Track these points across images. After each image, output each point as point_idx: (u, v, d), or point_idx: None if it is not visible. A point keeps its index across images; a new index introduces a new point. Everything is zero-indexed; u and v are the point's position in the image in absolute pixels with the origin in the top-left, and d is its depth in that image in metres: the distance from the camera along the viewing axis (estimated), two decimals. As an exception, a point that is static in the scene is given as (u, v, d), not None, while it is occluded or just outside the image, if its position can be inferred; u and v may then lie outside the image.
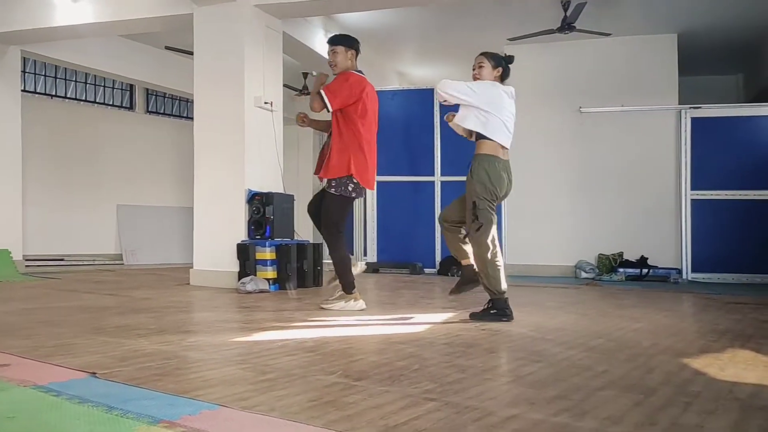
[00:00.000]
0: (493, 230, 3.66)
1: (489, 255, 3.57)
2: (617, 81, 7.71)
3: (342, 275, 4.10)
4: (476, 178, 3.60)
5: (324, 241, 4.29)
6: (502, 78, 3.73)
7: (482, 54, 3.76)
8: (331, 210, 4.11)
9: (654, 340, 3.07)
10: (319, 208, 4.23)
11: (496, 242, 3.64)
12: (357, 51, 4.26)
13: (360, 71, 4.23)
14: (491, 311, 3.63)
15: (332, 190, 4.08)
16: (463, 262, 3.82)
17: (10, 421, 1.59)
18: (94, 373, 2.14)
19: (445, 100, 3.66)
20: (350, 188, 4.08)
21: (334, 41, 4.25)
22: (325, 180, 4.14)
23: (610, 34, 7.18)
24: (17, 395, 1.86)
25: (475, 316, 3.66)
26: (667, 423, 1.69)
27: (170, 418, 1.63)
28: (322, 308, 4.07)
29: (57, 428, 1.55)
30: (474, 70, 3.73)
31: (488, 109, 3.58)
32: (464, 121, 3.65)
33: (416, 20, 7.61)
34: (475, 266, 3.69)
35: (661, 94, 7.55)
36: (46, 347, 2.62)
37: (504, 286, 3.62)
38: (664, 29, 7.50)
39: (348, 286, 4.08)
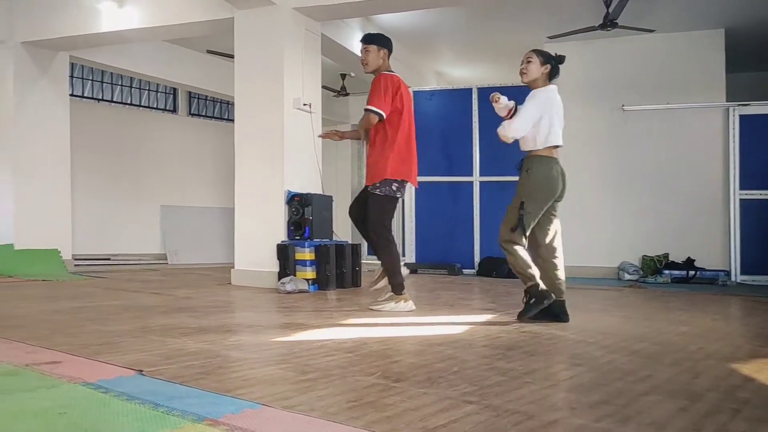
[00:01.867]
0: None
1: (546, 257, 3.60)
2: (662, 78, 7.53)
3: (391, 276, 4.12)
4: (533, 178, 3.56)
5: (370, 243, 4.31)
6: (550, 76, 3.67)
7: (532, 50, 3.73)
8: (377, 210, 4.13)
9: (701, 344, 2.99)
10: (361, 210, 4.26)
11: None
12: (389, 51, 4.28)
13: (391, 71, 4.25)
14: (530, 301, 3.56)
15: (378, 191, 4.11)
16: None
17: (61, 417, 1.64)
18: (141, 371, 2.20)
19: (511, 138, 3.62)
20: (394, 187, 4.11)
21: (367, 40, 4.27)
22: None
23: (654, 31, 7.01)
24: (67, 392, 1.92)
25: (521, 316, 3.62)
26: (713, 430, 1.65)
27: (214, 416, 1.66)
28: (371, 309, 4.09)
29: (106, 424, 1.60)
30: (521, 65, 3.69)
31: (542, 113, 3.57)
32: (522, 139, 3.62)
33: (454, 20, 7.57)
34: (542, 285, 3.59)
35: (707, 91, 7.34)
36: (94, 345, 2.70)
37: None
38: (711, 24, 7.29)
39: (397, 287, 4.10)
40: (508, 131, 3.56)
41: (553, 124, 3.58)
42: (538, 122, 3.55)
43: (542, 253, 3.63)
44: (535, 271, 3.57)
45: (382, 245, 4.13)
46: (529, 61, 3.66)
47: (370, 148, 4.19)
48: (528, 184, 3.57)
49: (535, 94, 3.61)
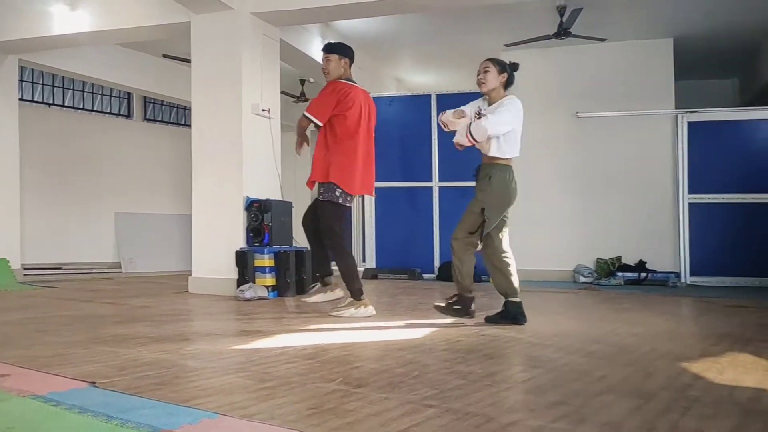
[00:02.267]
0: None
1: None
2: (614, 86, 7.73)
3: (350, 282, 4.09)
4: (495, 187, 3.61)
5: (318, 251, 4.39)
6: (507, 85, 3.72)
7: (488, 59, 3.76)
8: (325, 216, 4.13)
9: (653, 344, 3.07)
10: (312, 218, 4.29)
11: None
12: (351, 60, 4.29)
13: (351, 80, 4.26)
14: (455, 306, 3.76)
15: (321, 197, 4.13)
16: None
17: (9, 432, 1.59)
18: (94, 383, 2.14)
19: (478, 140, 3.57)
20: (337, 193, 4.09)
21: (328, 49, 4.28)
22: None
23: (605, 40, 7.20)
24: (16, 406, 1.86)
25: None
26: (666, 428, 1.69)
27: (170, 428, 1.63)
28: (332, 315, 4.06)
29: (57, 438, 1.55)
30: (479, 75, 3.70)
31: (515, 125, 3.63)
32: (492, 149, 3.61)
33: (413, 27, 7.63)
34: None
35: (657, 99, 7.57)
36: (44, 357, 2.62)
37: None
38: (660, 34, 7.53)
39: (356, 292, 4.08)
40: (486, 129, 3.47)
41: (519, 135, 3.66)
42: (509, 132, 3.59)
43: (497, 255, 3.69)
44: (472, 285, 3.72)
45: (336, 252, 4.14)
46: (486, 71, 3.68)
47: (316, 146, 4.20)
48: (489, 191, 3.61)
49: (509, 104, 3.61)
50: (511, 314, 3.66)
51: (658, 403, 1.95)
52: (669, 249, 7.40)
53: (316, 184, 4.21)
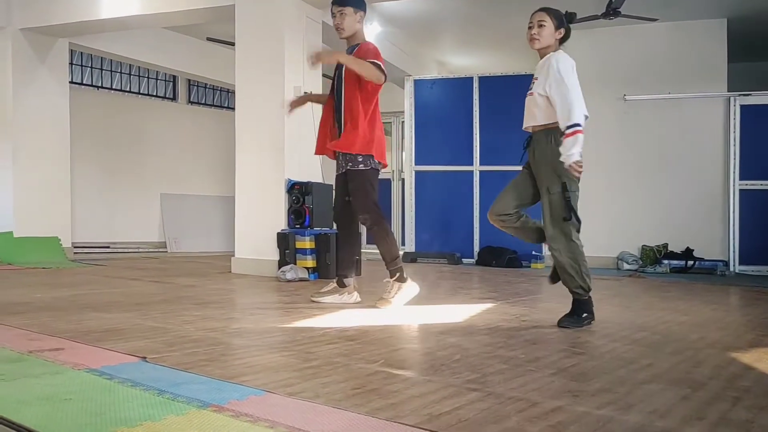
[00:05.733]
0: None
1: (578, 251, 3.04)
2: (663, 68, 7.51)
3: (391, 263, 3.65)
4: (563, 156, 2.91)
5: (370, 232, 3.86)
6: (562, 41, 3.16)
7: (543, 10, 3.14)
8: (365, 188, 3.65)
9: (701, 333, 3.00)
10: (343, 208, 3.82)
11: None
12: (365, 12, 3.87)
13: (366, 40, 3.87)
14: (582, 315, 3.09)
15: (360, 166, 3.64)
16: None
17: (67, 403, 1.65)
18: (144, 358, 2.20)
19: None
20: (376, 161, 3.71)
21: (341, 2, 3.78)
22: (340, 158, 3.75)
23: (656, 20, 6.98)
24: (72, 378, 1.93)
25: (564, 323, 3.06)
26: (715, 418, 1.66)
27: (219, 403, 1.67)
28: (379, 307, 3.65)
29: (111, 410, 1.61)
30: (531, 29, 3.11)
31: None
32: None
33: (456, 8, 7.53)
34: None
35: (709, 81, 7.32)
36: (96, 332, 2.71)
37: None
38: (714, 14, 7.26)
39: (400, 271, 3.64)
40: (578, 118, 2.89)
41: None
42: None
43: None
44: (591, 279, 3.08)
45: (380, 231, 3.63)
46: (541, 25, 3.10)
47: (358, 115, 3.61)
48: (559, 162, 2.92)
49: (565, 61, 3.03)
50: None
51: (707, 392, 1.91)
52: (717, 237, 7.20)
53: (339, 156, 3.76)
